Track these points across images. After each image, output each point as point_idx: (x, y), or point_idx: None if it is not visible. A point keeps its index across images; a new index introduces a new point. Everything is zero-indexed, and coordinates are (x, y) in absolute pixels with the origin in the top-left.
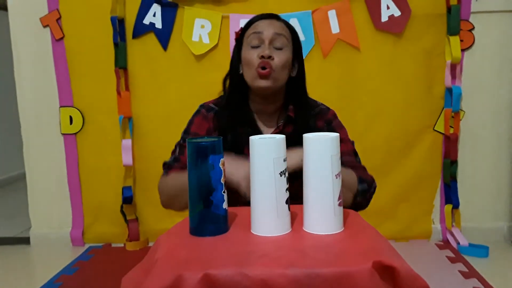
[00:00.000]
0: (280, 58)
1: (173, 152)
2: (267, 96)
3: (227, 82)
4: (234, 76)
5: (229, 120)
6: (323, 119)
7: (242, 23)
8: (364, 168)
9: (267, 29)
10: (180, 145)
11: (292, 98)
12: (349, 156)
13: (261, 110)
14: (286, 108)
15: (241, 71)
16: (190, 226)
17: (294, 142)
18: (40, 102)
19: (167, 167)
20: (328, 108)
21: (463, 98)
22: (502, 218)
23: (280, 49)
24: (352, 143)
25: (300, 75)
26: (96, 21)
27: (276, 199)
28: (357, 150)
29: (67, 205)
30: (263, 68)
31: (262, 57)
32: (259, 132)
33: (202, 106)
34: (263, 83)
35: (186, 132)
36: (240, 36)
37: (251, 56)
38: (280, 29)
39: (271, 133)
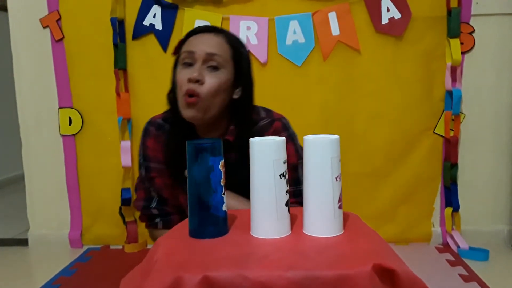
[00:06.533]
0: (211, 82)
1: (140, 174)
2: (203, 125)
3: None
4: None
5: (177, 145)
6: None
7: (242, 25)
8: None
9: (199, 47)
10: (140, 165)
11: (235, 120)
12: None
13: (208, 136)
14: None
15: None
16: (190, 228)
17: (237, 170)
18: (39, 103)
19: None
20: (271, 122)
21: (463, 101)
22: (503, 221)
23: (215, 69)
24: (296, 164)
25: (245, 98)
26: (96, 22)
27: (276, 201)
28: (357, 152)
29: (65, 207)
30: (190, 95)
31: (190, 80)
32: None
33: (149, 123)
34: (189, 112)
35: (145, 158)
36: (177, 51)
37: (181, 78)
38: (215, 47)
39: None
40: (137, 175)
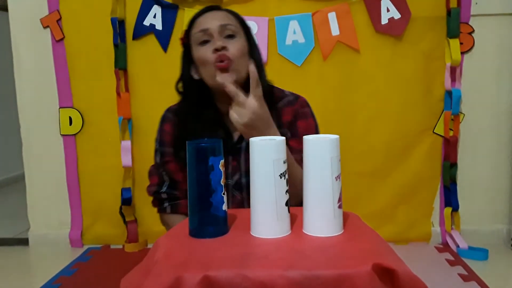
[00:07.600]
0: (234, 46)
1: (155, 161)
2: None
3: (180, 86)
4: (188, 81)
5: (197, 125)
6: (291, 112)
7: None
8: None
9: (211, 22)
10: (156, 151)
11: None
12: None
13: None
14: None
15: (196, 76)
16: (190, 228)
17: None
18: (40, 103)
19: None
20: (296, 98)
21: (463, 101)
22: (502, 221)
23: (232, 37)
24: None
25: (257, 65)
26: (96, 22)
27: (276, 201)
28: (356, 152)
29: (66, 206)
30: (221, 61)
31: (216, 50)
32: (230, 135)
33: (168, 110)
34: (223, 77)
35: (160, 143)
36: (186, 38)
37: (203, 53)
38: (225, 19)
39: (239, 136)
40: (137, 175)
